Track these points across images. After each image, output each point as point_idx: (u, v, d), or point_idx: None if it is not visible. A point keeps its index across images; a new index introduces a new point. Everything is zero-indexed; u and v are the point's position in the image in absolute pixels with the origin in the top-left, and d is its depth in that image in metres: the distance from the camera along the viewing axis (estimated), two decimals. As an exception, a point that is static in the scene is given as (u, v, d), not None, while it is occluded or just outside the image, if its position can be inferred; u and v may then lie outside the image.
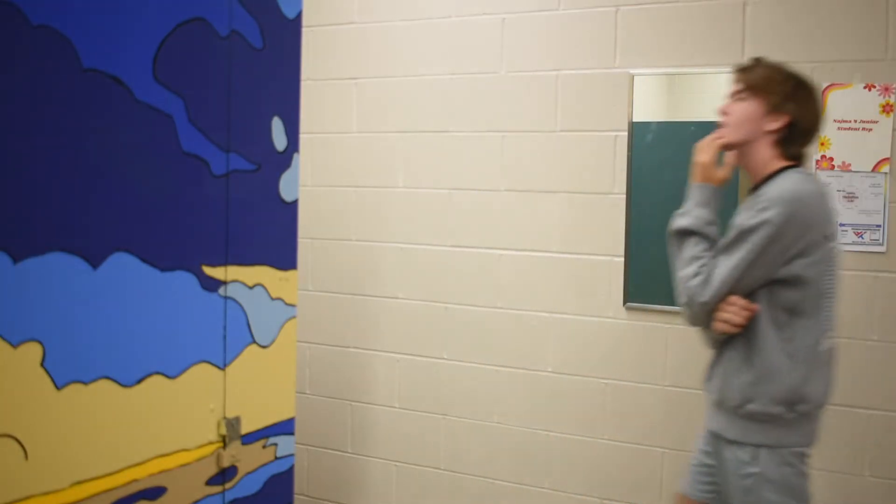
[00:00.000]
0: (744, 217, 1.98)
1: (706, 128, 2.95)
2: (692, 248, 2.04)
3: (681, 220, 2.08)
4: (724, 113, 2.11)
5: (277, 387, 1.72)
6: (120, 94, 1.34)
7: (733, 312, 1.96)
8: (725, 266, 1.97)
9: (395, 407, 3.36)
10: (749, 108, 2.07)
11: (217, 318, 1.56)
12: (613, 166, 3.00)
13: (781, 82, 2.07)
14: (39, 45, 1.22)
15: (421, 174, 3.28)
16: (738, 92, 2.10)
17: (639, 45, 2.94)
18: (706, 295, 1.98)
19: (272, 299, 1.68)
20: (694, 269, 2.01)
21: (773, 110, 2.05)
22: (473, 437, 3.23)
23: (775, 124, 2.05)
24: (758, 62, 2.13)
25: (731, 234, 1.98)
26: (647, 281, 3.01)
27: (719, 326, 1.99)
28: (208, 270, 1.53)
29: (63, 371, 1.27)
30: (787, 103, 2.05)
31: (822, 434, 2.78)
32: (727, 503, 2.07)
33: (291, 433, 1.76)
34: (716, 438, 2.10)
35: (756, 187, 2.06)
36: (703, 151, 2.11)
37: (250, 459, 1.64)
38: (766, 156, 2.06)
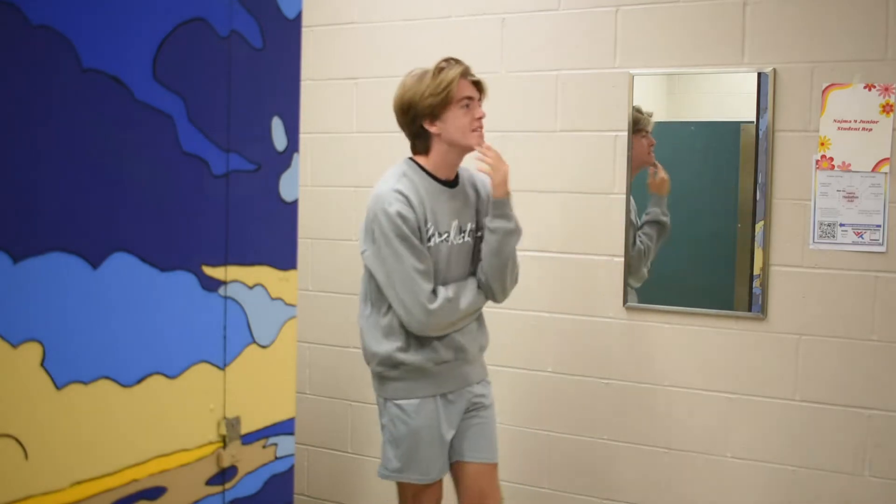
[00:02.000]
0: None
1: (706, 128, 2.96)
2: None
3: (519, 224, 2.60)
4: (482, 116, 2.50)
5: (277, 387, 1.72)
6: (120, 94, 1.34)
7: None
8: None
9: (395, 407, 3.35)
10: None
11: (217, 318, 1.56)
12: (613, 166, 3.00)
13: None
14: (39, 45, 1.22)
15: (421, 174, 3.27)
16: (481, 100, 2.47)
17: (639, 45, 2.94)
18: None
19: (272, 299, 1.68)
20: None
21: None
22: (473, 437, 3.22)
23: None
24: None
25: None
26: (646, 281, 3.01)
27: None
28: (208, 270, 1.53)
29: (63, 371, 1.27)
30: None
31: (821, 434, 2.78)
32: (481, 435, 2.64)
33: (291, 433, 1.76)
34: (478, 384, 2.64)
35: (447, 182, 2.55)
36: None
37: (250, 459, 1.64)
38: None
